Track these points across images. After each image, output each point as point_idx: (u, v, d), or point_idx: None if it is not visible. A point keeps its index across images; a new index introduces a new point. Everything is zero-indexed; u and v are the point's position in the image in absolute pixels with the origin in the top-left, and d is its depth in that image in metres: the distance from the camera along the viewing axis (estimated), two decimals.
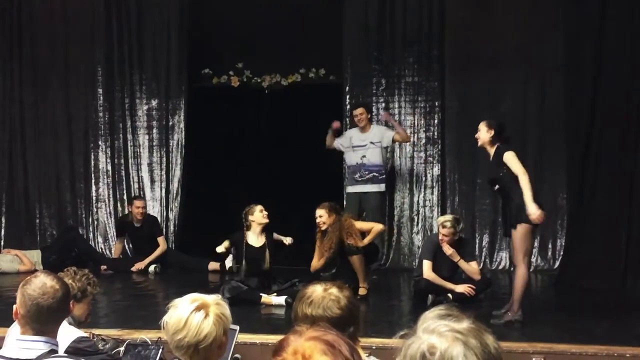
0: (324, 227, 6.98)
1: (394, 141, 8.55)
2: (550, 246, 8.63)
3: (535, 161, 8.66)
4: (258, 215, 6.95)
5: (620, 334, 5.43)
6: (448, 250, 6.58)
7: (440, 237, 6.62)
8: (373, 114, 8.75)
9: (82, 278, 4.02)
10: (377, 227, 7.23)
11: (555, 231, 8.60)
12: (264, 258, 6.95)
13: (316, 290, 2.69)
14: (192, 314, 2.42)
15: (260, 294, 6.74)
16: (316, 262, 7.07)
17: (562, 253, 8.35)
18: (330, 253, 6.93)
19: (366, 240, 7.04)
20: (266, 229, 7.05)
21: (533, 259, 8.61)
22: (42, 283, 2.69)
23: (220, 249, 7.19)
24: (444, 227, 6.56)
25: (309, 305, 2.65)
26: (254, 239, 7.00)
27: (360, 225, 7.22)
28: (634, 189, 7.03)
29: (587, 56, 7.68)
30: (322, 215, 6.97)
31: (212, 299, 2.53)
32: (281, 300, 6.68)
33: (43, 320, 2.65)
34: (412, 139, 8.97)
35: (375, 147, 8.36)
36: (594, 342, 5.05)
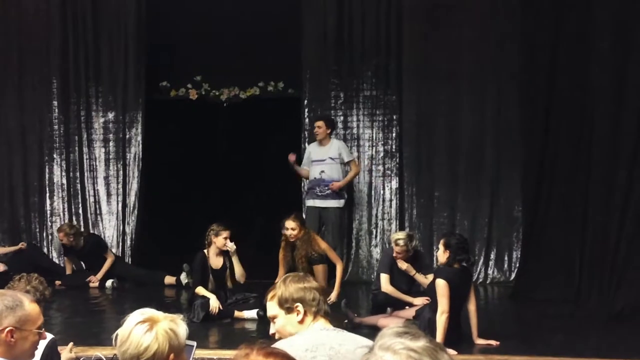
0: (293, 240, 6.95)
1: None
2: (506, 258, 8.72)
3: (491, 173, 8.78)
4: (221, 242, 6.92)
5: (575, 344, 5.51)
6: (403, 265, 6.60)
7: (394, 254, 6.63)
8: (335, 129, 8.75)
9: (35, 281, 3.94)
10: (341, 266, 7.19)
11: (511, 243, 8.70)
12: (224, 278, 7.00)
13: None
14: (136, 326, 2.39)
15: (235, 310, 6.79)
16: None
17: (518, 265, 8.44)
18: (302, 266, 6.90)
19: (336, 291, 6.90)
20: (224, 252, 7.03)
21: (489, 271, 8.73)
22: None
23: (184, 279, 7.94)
24: (396, 244, 6.56)
25: None
26: (214, 259, 7.01)
27: (325, 246, 7.17)
28: (588, 201, 7.13)
29: (542, 67, 7.78)
30: (294, 229, 6.96)
31: (165, 315, 2.47)
32: (253, 313, 6.73)
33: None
34: (370, 153, 9.04)
35: (334, 162, 8.33)
36: (549, 353, 5.11)
